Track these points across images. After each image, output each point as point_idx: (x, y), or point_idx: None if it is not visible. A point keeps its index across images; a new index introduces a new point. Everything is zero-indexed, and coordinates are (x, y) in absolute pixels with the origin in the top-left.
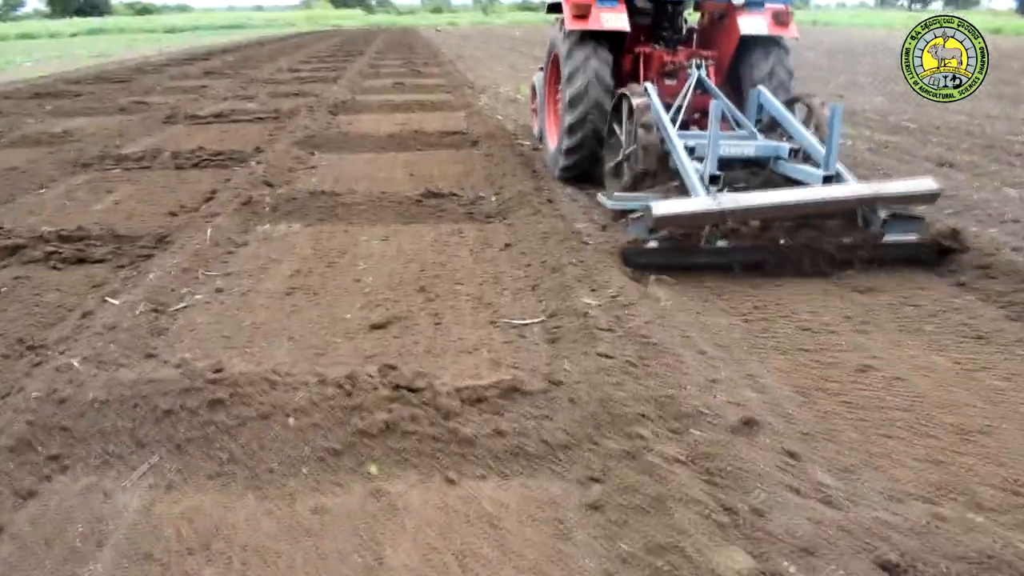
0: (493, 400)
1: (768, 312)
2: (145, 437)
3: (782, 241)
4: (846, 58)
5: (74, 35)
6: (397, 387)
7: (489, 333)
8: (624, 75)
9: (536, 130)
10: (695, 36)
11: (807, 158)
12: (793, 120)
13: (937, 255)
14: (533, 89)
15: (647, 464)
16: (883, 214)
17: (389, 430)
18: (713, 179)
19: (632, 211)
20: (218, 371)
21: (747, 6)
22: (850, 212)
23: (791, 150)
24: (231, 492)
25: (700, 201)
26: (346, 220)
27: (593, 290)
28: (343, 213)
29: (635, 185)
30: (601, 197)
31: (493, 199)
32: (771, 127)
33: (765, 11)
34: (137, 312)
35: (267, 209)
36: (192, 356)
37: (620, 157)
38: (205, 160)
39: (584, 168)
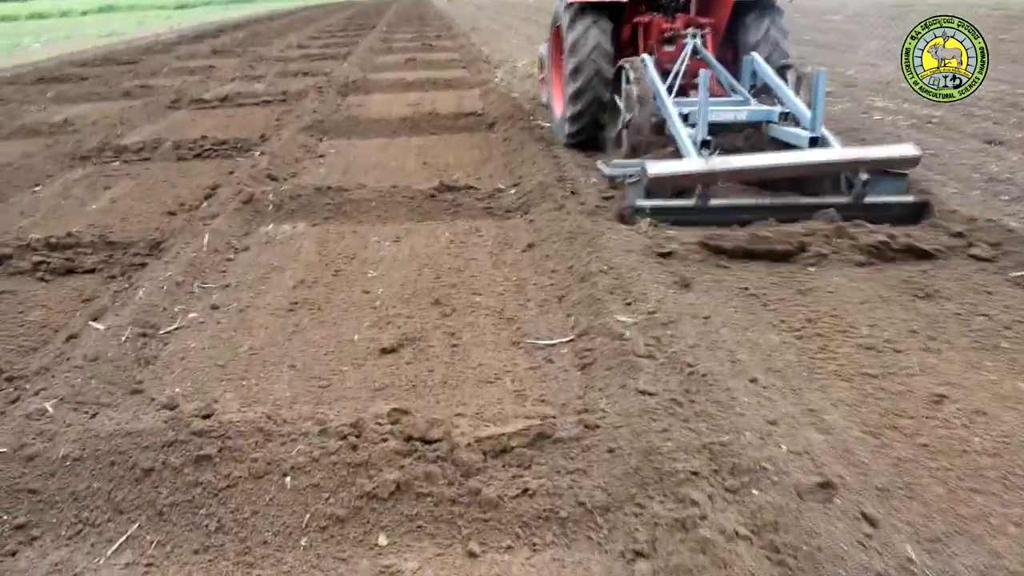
0: (520, 451)
1: (822, 326)
2: (123, 502)
3: (768, 201)
4: (874, 22)
5: (85, 13)
6: (409, 439)
7: (512, 357)
8: (624, 43)
9: (544, 99)
10: (693, 3)
11: (797, 122)
12: (783, 85)
13: (915, 215)
14: (541, 60)
15: (702, 539)
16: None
17: (400, 492)
18: (705, 143)
19: (631, 178)
20: (207, 416)
21: None
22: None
23: (781, 114)
24: (218, 570)
25: (692, 163)
26: (355, 218)
27: (628, 304)
28: (352, 210)
29: (634, 153)
30: (600, 164)
31: (512, 191)
32: (764, 91)
33: None
34: (123, 338)
35: (270, 208)
36: (181, 391)
37: (620, 125)
38: (208, 150)
39: (588, 134)
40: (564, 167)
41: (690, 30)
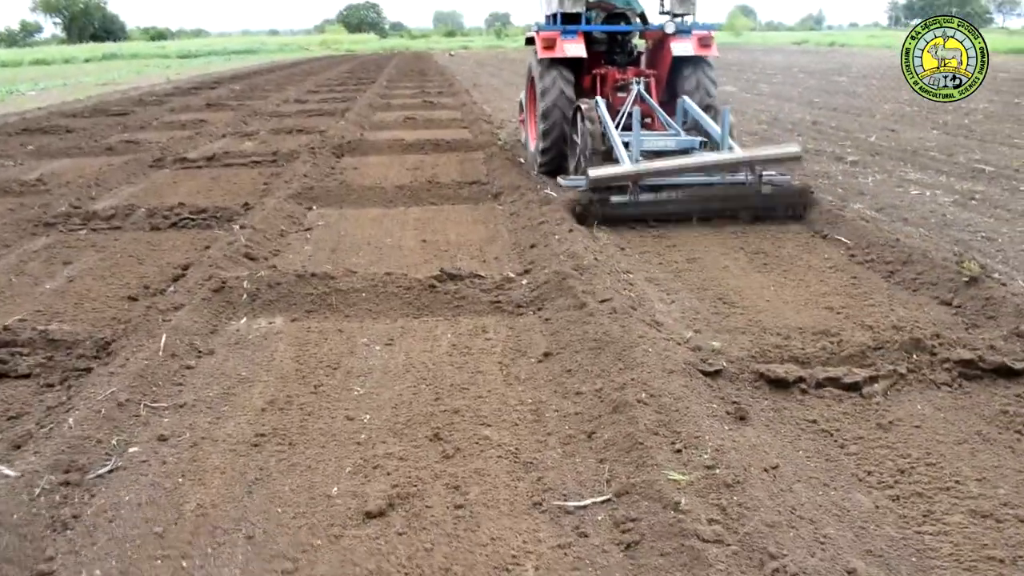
0: None
1: (919, 480)
2: None
3: (677, 195)
4: (880, 84)
5: (87, 61)
6: None
7: (534, 526)
8: (586, 90)
9: (523, 138)
10: (642, 58)
11: (717, 147)
12: (707, 119)
13: (800, 206)
14: (521, 105)
15: None
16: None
17: None
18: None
19: (580, 187)
20: None
21: (677, 33)
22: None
23: (701, 142)
24: None
25: (623, 166)
26: (342, 313)
27: (678, 450)
28: (338, 303)
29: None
30: (560, 179)
31: (524, 281)
32: (694, 126)
33: (692, 36)
34: (38, 489)
35: (244, 297)
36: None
37: (577, 153)
38: (185, 219)
39: (555, 165)
40: (584, 253)
41: (634, 79)
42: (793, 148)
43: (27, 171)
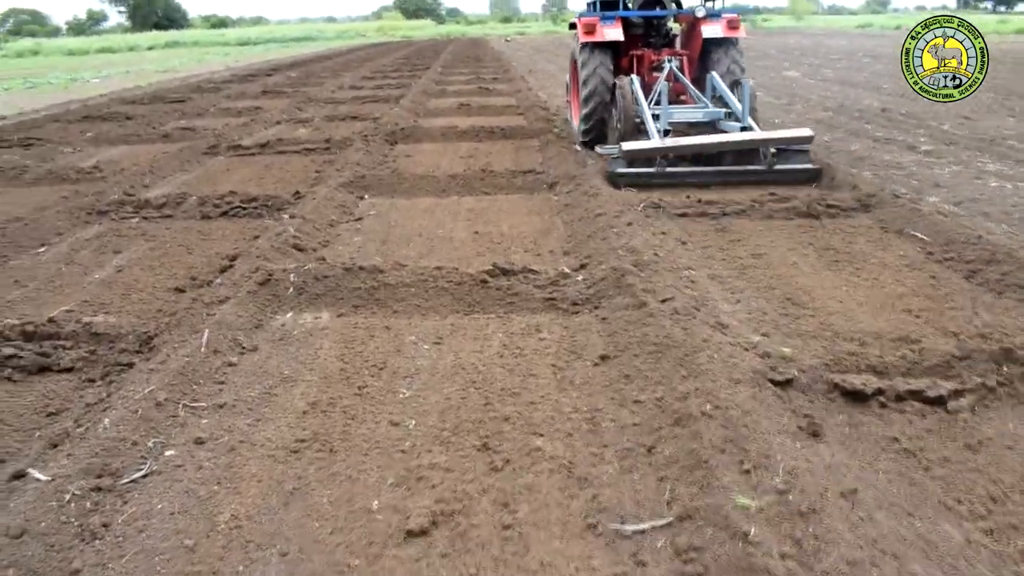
0: None
1: (1014, 510)
2: None
3: (706, 168)
4: None
5: (151, 48)
6: None
7: (587, 551)
8: (625, 70)
9: (568, 115)
10: (677, 40)
11: (738, 120)
12: (730, 95)
13: (813, 178)
14: (567, 86)
15: None
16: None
17: None
18: (666, 132)
19: (613, 155)
20: None
21: (708, 17)
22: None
23: (726, 113)
24: None
25: (652, 141)
26: (389, 308)
27: (746, 471)
28: (386, 298)
29: (621, 140)
30: (597, 148)
31: (579, 277)
32: (722, 100)
33: (721, 20)
34: (68, 495)
35: (291, 291)
36: None
37: (614, 127)
38: (236, 208)
39: (596, 136)
40: (643, 248)
41: (667, 58)
42: (806, 132)
43: (85, 158)
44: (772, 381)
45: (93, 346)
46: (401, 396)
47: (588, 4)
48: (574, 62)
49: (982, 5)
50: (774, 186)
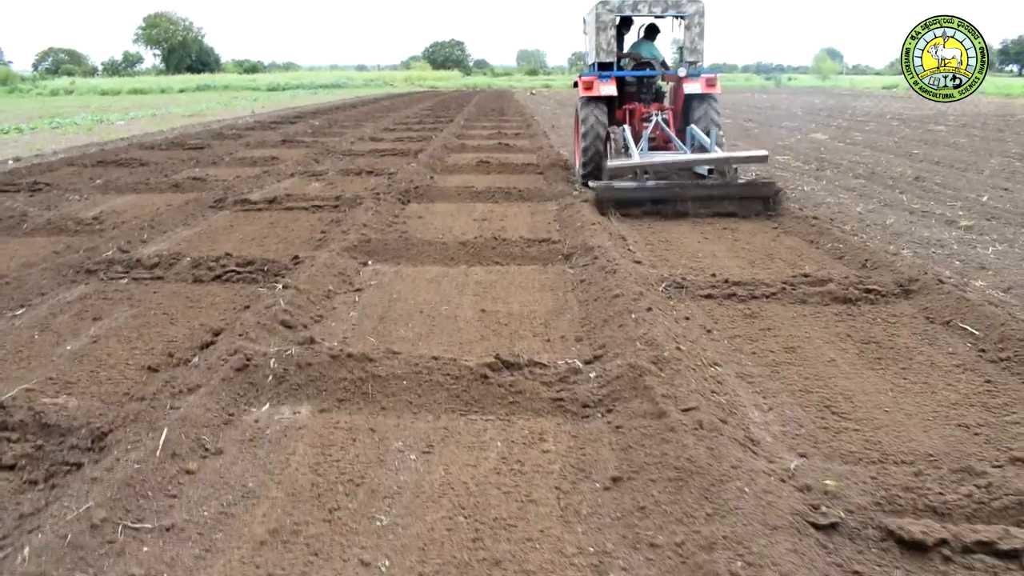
0: None
1: None
2: None
3: (680, 190)
4: (982, 134)
5: (182, 91)
6: None
7: None
8: (619, 121)
9: (571, 159)
10: (665, 96)
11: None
12: (704, 139)
13: (773, 199)
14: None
15: None
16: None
17: None
18: (644, 172)
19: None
20: None
21: (689, 76)
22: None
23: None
24: None
25: (631, 160)
26: (377, 404)
27: None
28: (375, 391)
29: (611, 180)
30: (590, 183)
31: (592, 374)
32: (700, 147)
33: (700, 79)
34: None
35: (270, 379)
36: None
37: (606, 166)
38: (230, 272)
39: (591, 174)
40: (664, 339)
41: (654, 112)
42: (761, 152)
43: (89, 207)
44: (814, 525)
45: (41, 440)
46: (378, 524)
47: (589, 65)
48: (576, 114)
49: (1007, 68)
50: (736, 201)
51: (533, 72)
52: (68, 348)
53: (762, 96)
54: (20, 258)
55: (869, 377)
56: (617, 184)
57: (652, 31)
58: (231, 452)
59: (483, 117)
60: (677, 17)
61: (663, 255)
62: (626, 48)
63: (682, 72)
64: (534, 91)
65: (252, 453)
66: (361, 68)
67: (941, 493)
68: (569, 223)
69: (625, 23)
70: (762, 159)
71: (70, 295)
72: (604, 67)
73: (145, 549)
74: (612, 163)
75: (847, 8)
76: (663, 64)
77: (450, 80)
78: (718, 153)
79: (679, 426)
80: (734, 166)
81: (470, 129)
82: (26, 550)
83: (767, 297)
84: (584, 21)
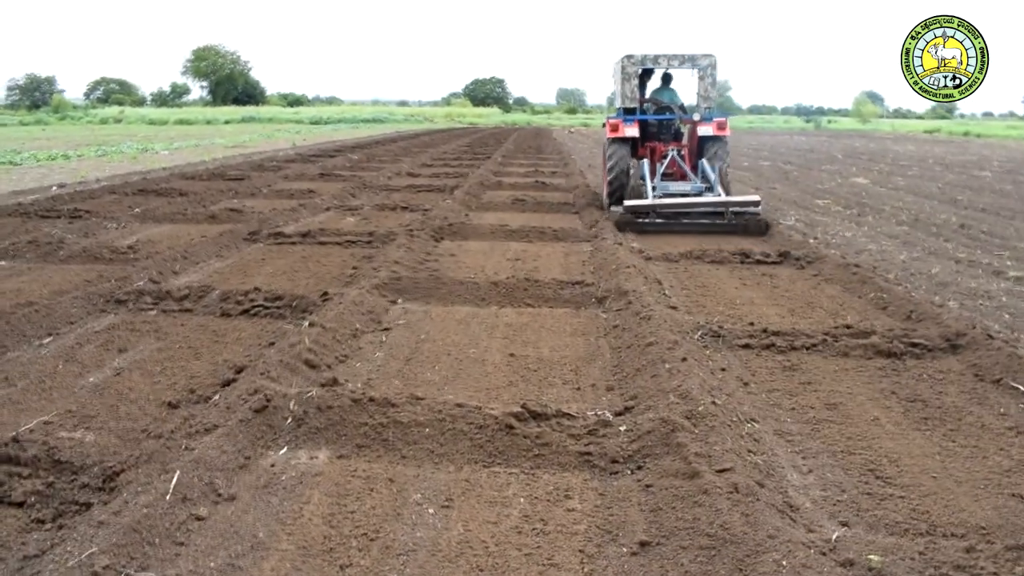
0: None
1: None
2: None
3: (686, 220)
4: None
5: (227, 122)
6: None
7: None
8: (641, 156)
9: (597, 189)
10: (683, 135)
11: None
12: (711, 175)
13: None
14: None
15: None
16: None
17: None
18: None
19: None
20: None
21: (702, 120)
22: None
23: (706, 189)
24: None
25: (645, 200)
26: (398, 452)
27: None
28: (395, 438)
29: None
30: (612, 207)
31: (622, 427)
32: (707, 179)
33: (713, 122)
34: None
35: (288, 421)
36: None
37: (627, 195)
38: (258, 307)
39: (615, 201)
40: (699, 392)
41: (672, 149)
42: (754, 197)
43: (125, 235)
44: None
45: (52, 477)
46: None
47: (616, 109)
48: (604, 150)
49: None
50: (733, 235)
51: (572, 111)
52: (91, 380)
53: (801, 138)
54: (53, 285)
55: (915, 439)
56: (638, 220)
57: (667, 77)
58: (244, 498)
59: (520, 155)
60: (692, 68)
61: (699, 301)
62: (648, 91)
63: (696, 116)
64: (572, 129)
65: (266, 500)
66: (403, 103)
67: (996, 573)
68: (604, 265)
69: (647, 72)
70: (755, 203)
71: (98, 325)
72: (629, 111)
73: None
74: (629, 203)
75: (888, 51)
76: (681, 108)
77: (489, 117)
78: (719, 197)
79: (713, 488)
80: (731, 209)
81: (507, 167)
82: None
83: (807, 348)
84: (613, 69)
